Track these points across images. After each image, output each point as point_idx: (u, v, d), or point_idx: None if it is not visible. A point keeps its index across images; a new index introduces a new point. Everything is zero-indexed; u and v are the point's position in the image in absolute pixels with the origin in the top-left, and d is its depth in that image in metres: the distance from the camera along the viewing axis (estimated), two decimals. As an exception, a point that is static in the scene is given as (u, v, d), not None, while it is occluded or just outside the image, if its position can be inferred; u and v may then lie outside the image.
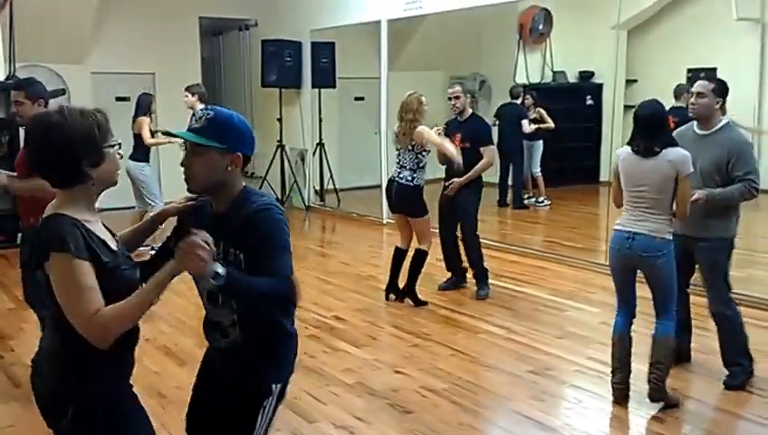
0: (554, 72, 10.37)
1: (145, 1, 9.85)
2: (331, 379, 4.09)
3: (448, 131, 5.49)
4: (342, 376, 4.13)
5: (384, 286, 5.64)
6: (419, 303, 5.43)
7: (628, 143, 3.63)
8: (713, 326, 3.96)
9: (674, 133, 3.91)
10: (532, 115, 9.30)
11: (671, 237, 3.57)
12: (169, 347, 4.58)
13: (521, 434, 3.47)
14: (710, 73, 7.93)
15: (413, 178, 5.28)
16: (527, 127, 9.06)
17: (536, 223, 9.25)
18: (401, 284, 5.53)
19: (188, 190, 2.07)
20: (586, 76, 10.58)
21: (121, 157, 1.96)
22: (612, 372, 3.73)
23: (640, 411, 3.62)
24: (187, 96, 6.94)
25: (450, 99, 5.52)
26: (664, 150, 3.49)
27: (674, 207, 3.57)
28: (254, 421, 2.11)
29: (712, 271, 3.88)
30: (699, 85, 3.81)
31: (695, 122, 3.92)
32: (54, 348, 1.91)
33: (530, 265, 6.64)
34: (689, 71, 8.49)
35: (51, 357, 1.92)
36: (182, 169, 2.03)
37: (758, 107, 7.96)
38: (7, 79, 7.72)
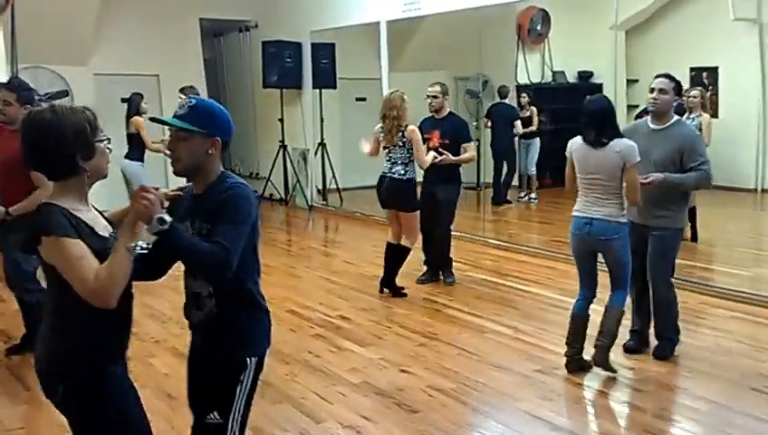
0: (554, 73, 10.37)
1: (146, 2, 9.85)
2: (337, 378, 4.08)
3: (423, 129, 5.59)
4: (348, 376, 4.12)
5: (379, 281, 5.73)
6: (398, 293, 5.61)
7: (580, 134, 3.91)
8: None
9: (627, 127, 4.29)
10: (526, 114, 9.38)
11: (625, 220, 3.89)
12: (179, 348, 4.54)
13: (528, 434, 3.46)
14: (711, 72, 7.96)
15: (405, 172, 5.46)
16: (520, 127, 9.26)
17: (541, 223, 9.27)
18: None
19: (174, 172, 2.21)
20: (585, 76, 10.57)
21: (110, 151, 2.11)
22: (566, 344, 4.07)
23: (653, 411, 3.61)
24: (182, 98, 7.02)
25: (428, 97, 5.72)
26: (612, 142, 3.77)
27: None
28: (233, 395, 2.21)
29: (662, 258, 4.13)
30: (662, 82, 4.08)
31: (648, 117, 4.15)
32: (47, 329, 2.07)
33: (537, 265, 6.65)
34: (692, 69, 8.51)
35: (43, 337, 2.07)
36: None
37: (761, 105, 7.97)
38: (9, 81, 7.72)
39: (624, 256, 3.92)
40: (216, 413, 2.22)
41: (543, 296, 5.67)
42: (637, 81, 9.55)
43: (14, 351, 4.51)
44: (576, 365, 4.04)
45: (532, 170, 9.63)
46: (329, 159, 9.92)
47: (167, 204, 2.06)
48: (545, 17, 9.93)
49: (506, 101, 9.34)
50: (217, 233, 2.07)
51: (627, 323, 4.27)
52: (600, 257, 4.04)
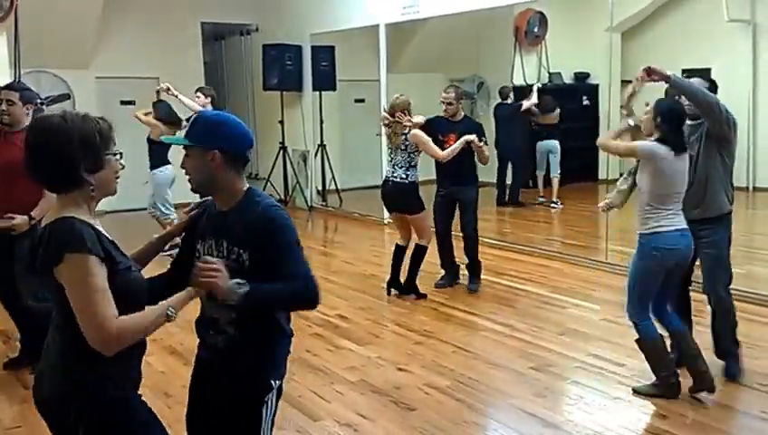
0: (550, 74, 10.43)
1: (148, 6, 9.94)
2: (334, 377, 4.14)
3: (433, 131, 5.56)
4: (346, 374, 4.18)
5: (386, 284, 5.74)
6: (420, 296, 5.59)
7: (660, 141, 3.52)
8: (699, 321, 4.08)
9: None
10: (553, 118, 9.33)
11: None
12: (175, 347, 4.62)
13: (523, 430, 3.51)
14: (705, 74, 8.01)
15: (407, 176, 5.46)
16: (527, 103, 9.08)
17: (537, 221, 9.31)
18: (402, 279, 5.67)
19: (192, 190, 2.18)
20: (582, 77, 10.66)
21: (123, 167, 1.95)
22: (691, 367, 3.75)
23: (644, 408, 3.67)
24: (199, 96, 7.10)
25: (443, 102, 5.67)
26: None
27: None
28: (260, 418, 2.13)
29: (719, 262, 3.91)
30: None
31: None
32: (62, 352, 1.86)
33: (531, 263, 6.70)
34: (684, 71, 8.54)
35: (58, 362, 1.87)
36: None
37: (752, 106, 8.04)
38: None
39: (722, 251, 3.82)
40: None
41: (538, 294, 5.72)
42: (631, 81, 9.61)
43: (12, 364, 4.38)
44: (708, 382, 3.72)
45: (555, 174, 9.34)
46: (328, 160, 10.00)
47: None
48: (542, 19, 10.00)
49: (507, 101, 9.32)
50: (288, 266, 2.03)
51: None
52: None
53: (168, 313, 1.85)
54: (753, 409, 3.65)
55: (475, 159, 5.65)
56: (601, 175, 9.65)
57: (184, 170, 2.13)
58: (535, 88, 9.37)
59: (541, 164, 9.48)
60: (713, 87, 3.86)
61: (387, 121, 5.54)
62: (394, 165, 5.52)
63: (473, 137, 5.41)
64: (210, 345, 2.19)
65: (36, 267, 1.79)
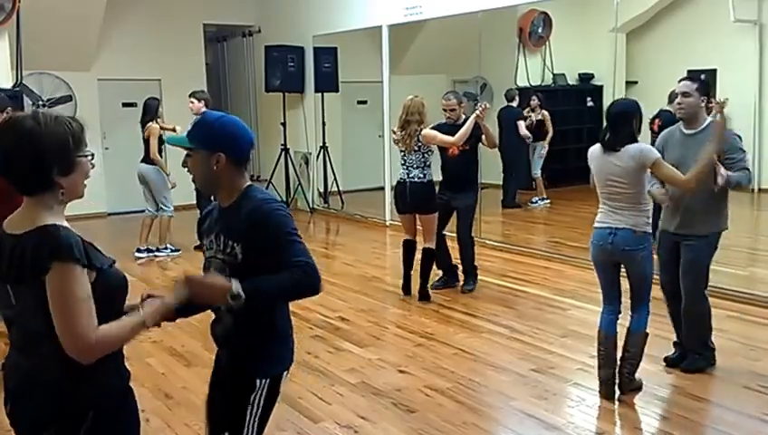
0: (554, 75, 10.42)
1: (150, 8, 9.96)
2: (335, 379, 4.13)
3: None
4: (347, 376, 4.17)
5: (387, 286, 5.82)
6: (429, 298, 5.61)
7: (600, 139, 3.75)
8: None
9: (661, 134, 4.07)
10: (537, 117, 9.34)
11: (650, 231, 3.69)
12: (176, 348, 4.63)
13: (524, 433, 3.51)
14: (710, 75, 7.99)
15: (424, 175, 5.53)
16: (523, 129, 9.15)
17: (539, 223, 9.32)
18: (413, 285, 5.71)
19: (196, 189, 2.18)
20: (586, 78, 10.63)
21: (93, 167, 1.91)
22: (598, 367, 3.83)
23: (646, 410, 3.66)
24: (192, 102, 7.05)
25: (445, 110, 5.67)
26: (625, 147, 3.60)
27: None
28: (243, 417, 2.14)
29: (698, 267, 3.95)
30: (684, 85, 3.86)
31: (681, 123, 3.96)
32: (60, 358, 1.76)
33: (533, 265, 6.69)
34: (689, 72, 8.50)
35: (56, 366, 1.78)
36: None
37: (758, 107, 8.00)
38: (14, 87, 7.80)
39: (648, 270, 3.73)
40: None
41: (539, 296, 5.71)
42: (636, 82, 9.60)
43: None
44: (610, 389, 3.79)
45: (536, 173, 9.56)
46: (330, 161, 10.00)
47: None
48: (546, 20, 9.99)
49: (513, 104, 9.31)
50: (284, 255, 2.03)
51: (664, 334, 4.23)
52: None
53: (148, 323, 1.86)
54: (755, 410, 3.64)
55: (482, 142, 5.65)
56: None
57: (186, 169, 2.17)
58: (548, 115, 9.42)
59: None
60: (706, 86, 3.91)
61: (397, 137, 5.58)
62: (409, 166, 5.55)
63: (478, 110, 5.46)
64: (215, 338, 2.26)
65: (9, 276, 1.75)
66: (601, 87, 10.32)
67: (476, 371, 4.23)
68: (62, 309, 1.71)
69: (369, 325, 5.12)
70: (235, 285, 1.92)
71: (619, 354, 3.79)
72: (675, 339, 4.19)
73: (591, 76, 10.57)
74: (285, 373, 2.24)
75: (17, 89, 7.82)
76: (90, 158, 1.88)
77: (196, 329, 4.96)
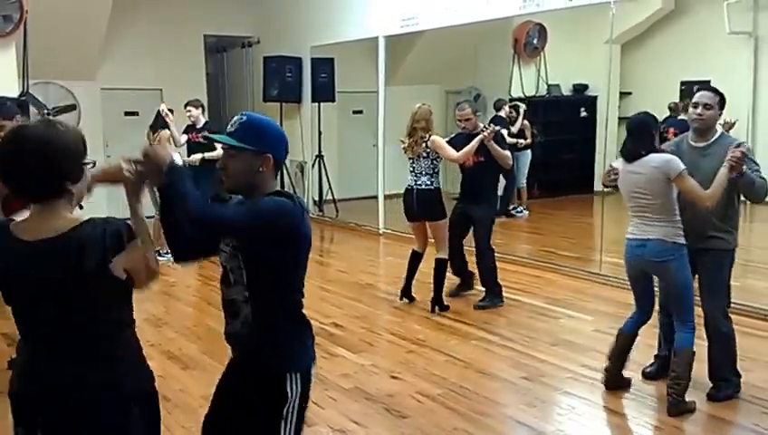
0: (549, 86, 10.50)
1: (152, 19, 10.08)
2: (329, 384, 4.17)
3: (456, 146, 5.56)
4: (340, 381, 4.21)
5: (381, 294, 5.84)
6: (445, 308, 5.58)
7: (620, 151, 3.74)
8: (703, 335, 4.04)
9: (667, 145, 3.96)
10: (517, 128, 9.38)
11: (683, 241, 3.61)
12: (173, 352, 4.66)
13: (514, 439, 3.54)
14: (703, 86, 8.05)
15: (432, 183, 5.52)
16: (507, 139, 9.21)
17: (531, 232, 9.36)
18: (414, 292, 5.73)
19: (224, 188, 2.15)
20: (580, 89, 10.73)
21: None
22: (608, 359, 3.91)
23: (637, 419, 3.69)
24: (190, 110, 7.23)
25: (460, 120, 5.67)
26: (647, 157, 3.59)
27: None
28: (279, 418, 2.06)
29: (718, 285, 3.84)
30: (707, 97, 3.73)
31: (688, 134, 3.87)
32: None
33: (525, 274, 6.73)
34: (683, 83, 8.62)
35: (100, 361, 1.88)
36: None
37: (751, 120, 8.07)
38: (20, 96, 7.87)
39: (685, 280, 3.63)
40: None
41: (531, 305, 5.75)
42: (630, 93, 9.71)
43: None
44: (614, 382, 3.87)
45: (522, 183, 9.59)
46: (326, 170, 10.06)
47: None
48: (542, 31, 10.07)
49: (501, 114, 9.41)
50: (241, 204, 2.06)
51: (648, 341, 4.17)
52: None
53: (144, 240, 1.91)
54: (746, 421, 3.66)
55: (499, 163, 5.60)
56: (597, 187, 9.71)
57: (222, 170, 2.11)
58: (528, 125, 9.45)
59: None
60: (724, 99, 3.78)
61: (404, 145, 5.58)
62: (417, 173, 5.53)
63: (485, 133, 5.45)
64: (230, 335, 2.17)
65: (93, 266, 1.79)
66: (595, 98, 10.43)
67: (468, 377, 4.26)
68: (143, 270, 1.87)
69: (362, 332, 5.17)
70: (176, 158, 1.91)
71: (629, 354, 3.87)
72: (658, 353, 4.15)
73: (586, 87, 10.67)
74: (313, 365, 2.17)
75: (23, 98, 7.89)
76: (90, 166, 1.92)
77: (193, 333, 5.02)
